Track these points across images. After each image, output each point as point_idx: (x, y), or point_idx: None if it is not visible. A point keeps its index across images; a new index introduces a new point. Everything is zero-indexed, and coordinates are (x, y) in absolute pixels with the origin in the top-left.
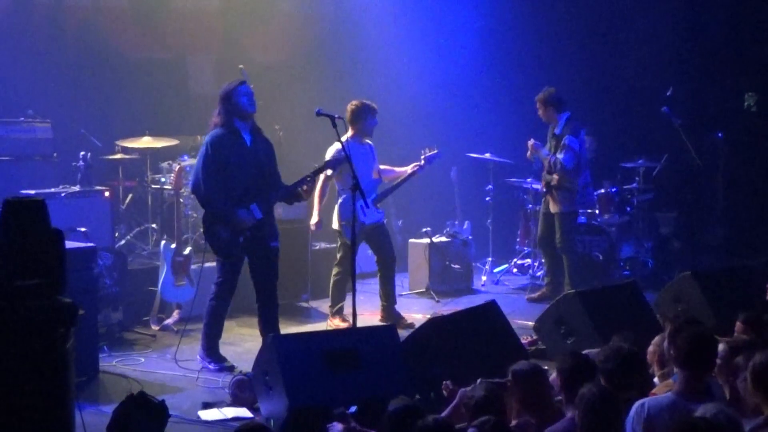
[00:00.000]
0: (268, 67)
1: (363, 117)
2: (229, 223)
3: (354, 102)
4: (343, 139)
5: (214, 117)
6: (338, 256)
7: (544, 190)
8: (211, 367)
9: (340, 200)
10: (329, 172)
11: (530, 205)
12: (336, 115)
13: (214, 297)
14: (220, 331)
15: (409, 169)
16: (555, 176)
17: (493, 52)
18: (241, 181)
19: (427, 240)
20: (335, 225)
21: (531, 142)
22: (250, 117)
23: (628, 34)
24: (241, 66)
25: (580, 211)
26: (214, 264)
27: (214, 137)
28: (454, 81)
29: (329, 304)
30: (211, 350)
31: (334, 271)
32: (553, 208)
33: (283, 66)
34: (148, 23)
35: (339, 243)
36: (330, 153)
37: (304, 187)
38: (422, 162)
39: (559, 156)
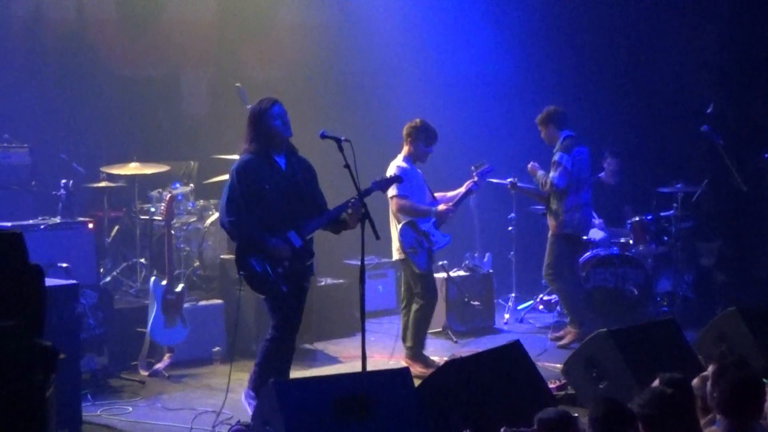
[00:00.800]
0: (268, 83)
1: (420, 138)
2: (264, 253)
3: (416, 120)
4: (400, 158)
5: (243, 143)
6: (416, 291)
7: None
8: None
9: (400, 226)
10: (392, 191)
11: None
12: (342, 138)
13: (271, 338)
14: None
15: (463, 188)
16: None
17: (515, 68)
18: (277, 208)
19: (443, 274)
20: (396, 255)
21: (531, 165)
22: (285, 142)
23: (664, 44)
24: (238, 84)
25: (613, 240)
26: (208, 303)
27: (241, 164)
28: (473, 100)
29: (407, 344)
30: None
31: (415, 307)
32: (549, 231)
33: (285, 82)
34: (138, 36)
35: (405, 276)
36: (391, 170)
37: (349, 212)
38: (475, 178)
39: (551, 175)
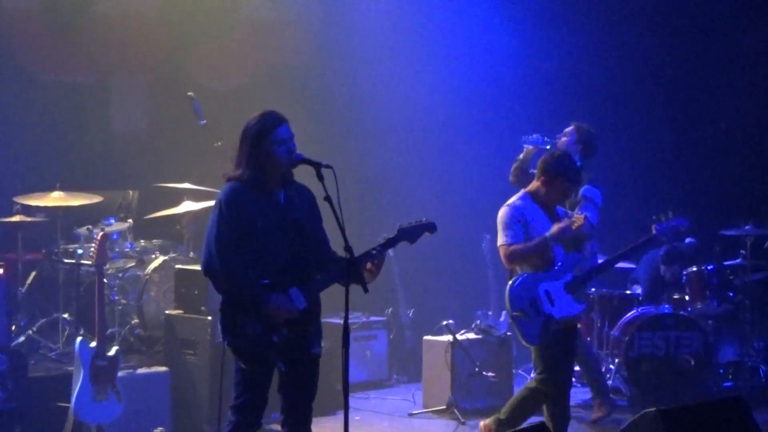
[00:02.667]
0: (225, 93)
1: (563, 177)
2: (260, 314)
3: (557, 152)
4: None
5: (232, 166)
6: (535, 366)
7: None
8: None
9: (512, 280)
10: (500, 239)
11: (593, 289)
12: (323, 162)
13: (232, 426)
14: None
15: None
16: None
17: (535, 76)
18: (273, 254)
19: (449, 337)
20: (503, 317)
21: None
22: (286, 173)
23: (729, 54)
24: (190, 93)
25: (663, 296)
26: (149, 370)
27: (230, 192)
28: (481, 113)
29: (499, 415)
30: None
31: (530, 383)
32: None
33: (246, 92)
34: (63, 32)
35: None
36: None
37: (369, 266)
38: (654, 231)
39: (580, 213)
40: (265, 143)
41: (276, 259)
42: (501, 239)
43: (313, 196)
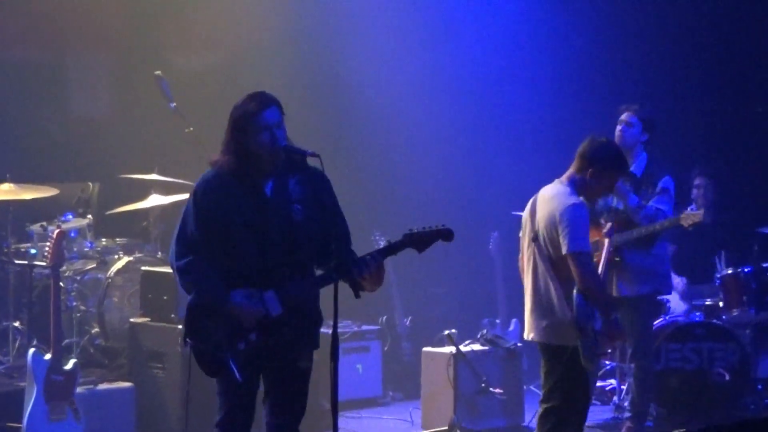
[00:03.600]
0: (197, 74)
1: (611, 167)
2: (228, 317)
3: (602, 137)
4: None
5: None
6: (559, 385)
7: (617, 258)
8: None
9: (577, 291)
10: (571, 245)
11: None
12: (308, 151)
13: None
14: None
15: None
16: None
17: (552, 63)
18: (253, 252)
19: (451, 349)
20: (551, 336)
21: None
22: (273, 162)
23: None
24: (158, 73)
25: (696, 302)
26: (112, 386)
27: (204, 182)
28: (492, 107)
29: None
30: None
31: (548, 403)
32: (629, 288)
33: (222, 71)
34: (13, 3)
35: (550, 365)
36: (554, 205)
37: (366, 276)
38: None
39: (655, 205)
40: (249, 128)
41: (255, 258)
42: (575, 245)
43: (326, 182)
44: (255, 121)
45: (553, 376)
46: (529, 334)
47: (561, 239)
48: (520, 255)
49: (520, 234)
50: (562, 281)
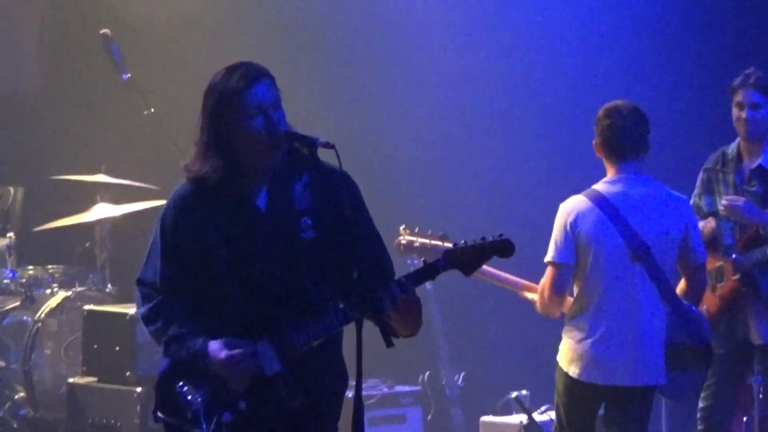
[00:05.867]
0: (159, 32)
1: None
2: (211, 377)
3: (627, 102)
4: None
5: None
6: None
7: (743, 287)
8: None
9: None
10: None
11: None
12: (320, 140)
13: None
14: None
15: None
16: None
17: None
18: (236, 290)
19: (521, 418)
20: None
21: (728, 202)
22: (265, 159)
23: None
24: (105, 31)
25: None
26: None
27: (174, 199)
28: (546, 86)
29: None
30: None
31: None
32: (755, 337)
33: (191, 27)
34: None
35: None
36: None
37: (392, 312)
38: None
39: None
40: (232, 113)
41: (242, 297)
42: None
43: (350, 185)
44: (241, 101)
45: None
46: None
47: (692, 248)
48: (577, 285)
49: (577, 252)
50: (668, 302)
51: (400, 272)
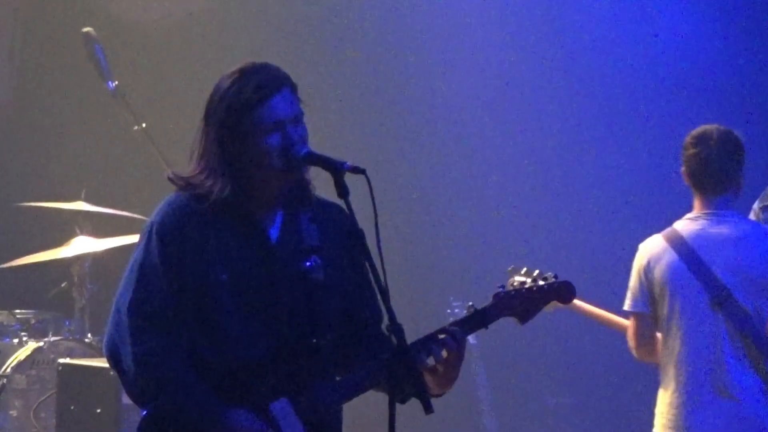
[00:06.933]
0: (152, 31)
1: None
2: None
3: (719, 128)
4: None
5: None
6: None
7: None
8: None
9: None
10: None
11: None
12: (347, 164)
13: None
14: None
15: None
16: None
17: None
18: (248, 334)
19: None
20: None
21: None
22: (280, 184)
23: None
24: (88, 30)
25: None
26: None
27: (169, 215)
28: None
29: None
30: None
31: None
32: None
33: (190, 26)
34: None
35: None
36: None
37: (435, 363)
38: None
39: None
40: (244, 128)
41: (251, 344)
42: None
43: (354, 227)
44: (255, 116)
45: None
46: None
47: None
48: (660, 334)
49: (655, 294)
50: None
51: (436, 322)
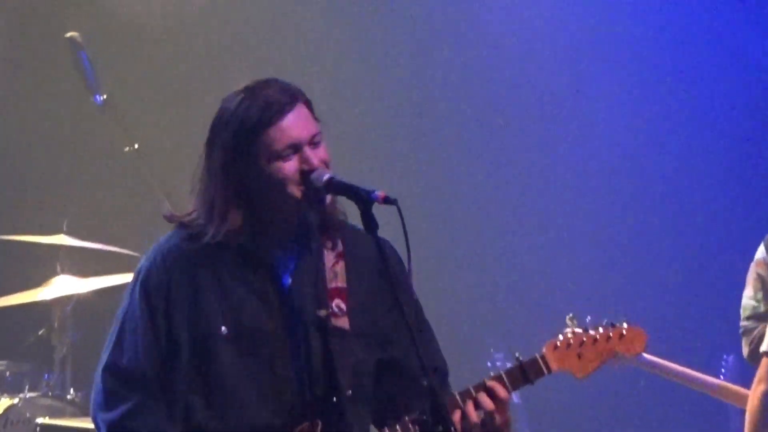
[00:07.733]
0: (144, 35)
1: None
2: None
3: None
4: None
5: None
6: None
7: None
8: None
9: None
10: None
11: None
12: (375, 194)
13: None
14: None
15: None
16: None
17: None
18: (257, 397)
19: None
20: None
21: None
22: (292, 217)
23: None
24: (72, 34)
25: None
26: None
27: (162, 257)
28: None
29: None
30: None
31: None
32: None
33: (190, 29)
34: None
35: None
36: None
37: (475, 418)
38: None
39: None
40: (253, 152)
41: (256, 408)
42: None
43: (398, 261)
44: (266, 137)
45: None
46: None
47: None
48: None
49: None
50: None
51: (475, 375)
